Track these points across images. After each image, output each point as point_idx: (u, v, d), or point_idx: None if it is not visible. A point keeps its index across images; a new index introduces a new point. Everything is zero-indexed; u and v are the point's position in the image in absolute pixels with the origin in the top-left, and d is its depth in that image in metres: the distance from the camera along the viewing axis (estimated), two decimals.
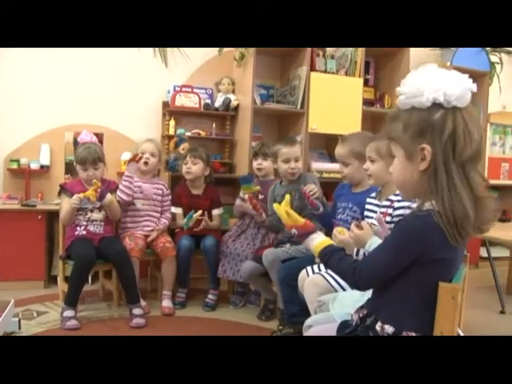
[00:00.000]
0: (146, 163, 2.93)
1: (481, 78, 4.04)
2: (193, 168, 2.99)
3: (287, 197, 1.41)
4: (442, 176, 1.03)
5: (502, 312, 2.98)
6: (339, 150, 2.21)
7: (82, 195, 2.58)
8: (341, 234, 1.51)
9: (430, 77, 1.05)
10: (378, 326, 1.14)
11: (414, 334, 1.09)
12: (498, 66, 4.31)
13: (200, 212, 2.90)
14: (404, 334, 1.10)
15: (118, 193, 2.83)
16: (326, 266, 1.24)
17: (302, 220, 1.32)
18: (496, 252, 3.40)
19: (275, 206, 1.37)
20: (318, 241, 1.26)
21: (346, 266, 1.17)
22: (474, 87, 1.07)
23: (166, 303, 2.77)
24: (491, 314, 2.94)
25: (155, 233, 2.88)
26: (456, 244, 1.04)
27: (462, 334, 1.17)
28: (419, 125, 1.06)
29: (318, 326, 1.51)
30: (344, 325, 1.29)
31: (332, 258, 1.20)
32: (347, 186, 2.28)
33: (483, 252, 3.44)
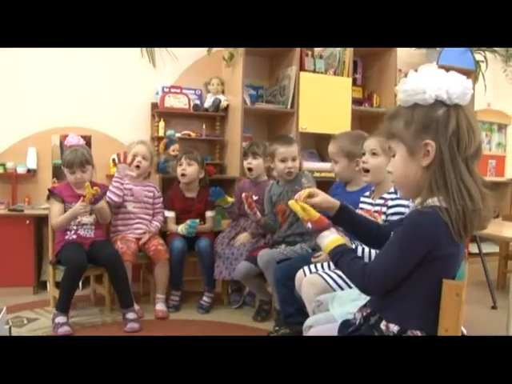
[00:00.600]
0: (137, 167, 2.90)
1: (466, 76, 4.09)
2: (188, 169, 2.96)
3: (307, 191, 1.37)
4: (449, 171, 1.04)
5: (494, 307, 3.01)
6: (330, 148, 2.27)
7: (85, 202, 2.52)
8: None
9: (431, 75, 1.08)
10: (382, 325, 1.13)
11: (419, 333, 1.08)
12: (482, 65, 4.38)
13: (198, 220, 2.90)
14: (409, 332, 1.09)
15: (109, 194, 2.79)
16: (336, 266, 1.22)
17: (317, 214, 1.29)
18: (485, 248, 3.44)
19: (290, 202, 1.34)
20: (330, 239, 1.23)
21: (356, 269, 1.14)
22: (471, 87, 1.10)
23: (160, 307, 2.74)
24: (483, 310, 2.98)
25: (147, 235, 2.84)
26: (460, 240, 1.05)
27: (465, 333, 1.17)
28: (422, 121, 1.07)
29: (319, 326, 1.50)
30: (345, 324, 1.28)
31: (342, 258, 1.19)
32: (342, 185, 2.29)
33: (472, 248, 3.48)
